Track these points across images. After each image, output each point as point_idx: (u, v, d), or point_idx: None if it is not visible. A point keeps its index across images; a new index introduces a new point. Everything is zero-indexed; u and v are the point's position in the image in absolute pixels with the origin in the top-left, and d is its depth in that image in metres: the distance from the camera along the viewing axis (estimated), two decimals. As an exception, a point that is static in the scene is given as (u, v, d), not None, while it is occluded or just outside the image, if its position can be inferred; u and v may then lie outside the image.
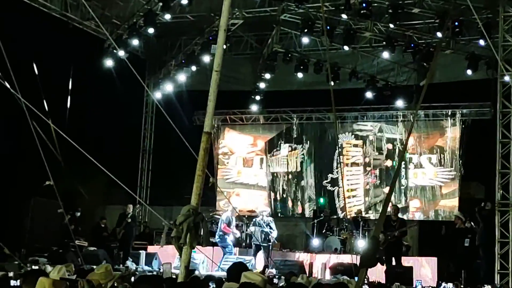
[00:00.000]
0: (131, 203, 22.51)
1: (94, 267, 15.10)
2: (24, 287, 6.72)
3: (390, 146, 25.23)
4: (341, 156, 25.45)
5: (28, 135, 11.63)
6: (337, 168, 25.32)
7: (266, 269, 17.92)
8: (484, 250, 18.62)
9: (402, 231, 18.48)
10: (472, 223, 18.91)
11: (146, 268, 19.28)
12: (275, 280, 13.82)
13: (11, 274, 10.96)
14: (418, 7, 21.08)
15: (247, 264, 18.47)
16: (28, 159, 15.38)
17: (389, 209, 19.45)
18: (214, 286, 9.43)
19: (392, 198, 23.67)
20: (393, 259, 18.42)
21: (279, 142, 26.59)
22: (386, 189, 24.65)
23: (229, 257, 19.20)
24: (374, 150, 25.42)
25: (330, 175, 25.86)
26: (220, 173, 26.94)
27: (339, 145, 25.68)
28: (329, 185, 25.79)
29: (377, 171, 25.36)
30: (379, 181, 25.22)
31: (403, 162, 23.94)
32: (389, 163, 25.16)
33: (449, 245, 19.25)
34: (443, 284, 17.06)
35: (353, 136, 25.81)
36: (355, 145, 25.75)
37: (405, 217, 22.52)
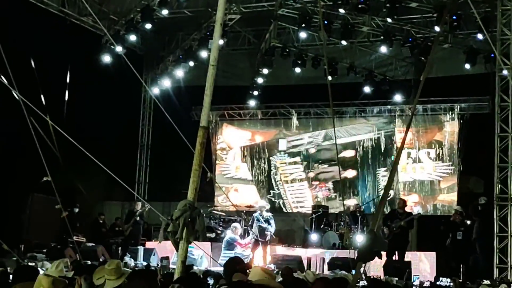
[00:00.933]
0: (129, 199, 22.52)
1: (89, 262, 15.15)
2: (15, 285, 6.67)
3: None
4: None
5: (27, 131, 11.62)
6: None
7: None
8: (480, 244, 18.59)
9: (407, 221, 18.40)
10: (472, 217, 18.87)
11: (145, 263, 19.26)
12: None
13: (9, 270, 10.94)
14: (415, 1, 21.07)
15: (245, 260, 18.56)
16: (26, 156, 15.34)
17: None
18: (212, 281, 9.43)
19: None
20: (396, 252, 18.38)
21: (278, 138, 26.61)
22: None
23: (226, 252, 19.21)
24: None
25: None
26: (218, 169, 26.93)
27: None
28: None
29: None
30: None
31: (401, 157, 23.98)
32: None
33: (444, 239, 19.28)
34: (442, 279, 17.04)
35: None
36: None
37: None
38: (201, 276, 9.86)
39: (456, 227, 18.66)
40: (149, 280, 6.01)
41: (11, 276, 7.93)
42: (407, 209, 19.52)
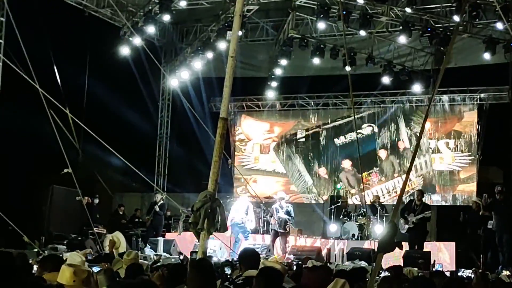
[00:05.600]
0: (149, 191, 22.59)
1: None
2: (41, 271, 6.77)
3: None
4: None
5: (47, 124, 11.73)
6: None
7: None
8: (499, 236, 18.46)
9: (419, 219, 18.38)
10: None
11: (165, 254, 19.34)
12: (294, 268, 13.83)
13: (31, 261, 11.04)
14: (434, -10, 20.95)
15: (264, 250, 18.62)
16: (47, 148, 15.47)
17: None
18: (230, 271, 9.47)
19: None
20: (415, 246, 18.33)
21: (296, 128, 26.61)
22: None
23: (246, 242, 19.23)
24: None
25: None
26: (237, 160, 26.95)
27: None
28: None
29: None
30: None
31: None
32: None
33: (467, 230, 19.18)
34: (462, 269, 16.96)
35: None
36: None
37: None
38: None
39: (479, 218, 18.57)
40: (205, 272, 5.89)
41: (35, 267, 8.02)
42: (427, 200, 19.46)
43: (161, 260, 15.40)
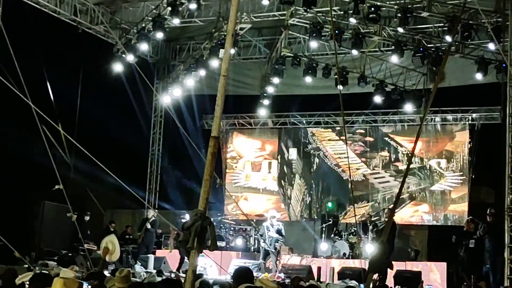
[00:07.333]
0: (140, 208, 22.52)
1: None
2: None
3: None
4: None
5: (39, 140, 11.73)
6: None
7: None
8: (490, 256, 18.48)
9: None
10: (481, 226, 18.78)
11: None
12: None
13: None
14: (427, 11, 21.04)
15: (255, 268, 18.60)
16: (38, 164, 15.45)
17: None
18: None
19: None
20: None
21: (288, 146, 26.64)
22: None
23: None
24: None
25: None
26: (228, 177, 26.95)
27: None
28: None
29: None
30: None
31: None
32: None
33: (458, 251, 19.21)
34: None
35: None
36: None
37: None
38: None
39: (469, 236, 18.59)
40: None
41: (27, 286, 8.01)
42: (417, 219, 19.38)
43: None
